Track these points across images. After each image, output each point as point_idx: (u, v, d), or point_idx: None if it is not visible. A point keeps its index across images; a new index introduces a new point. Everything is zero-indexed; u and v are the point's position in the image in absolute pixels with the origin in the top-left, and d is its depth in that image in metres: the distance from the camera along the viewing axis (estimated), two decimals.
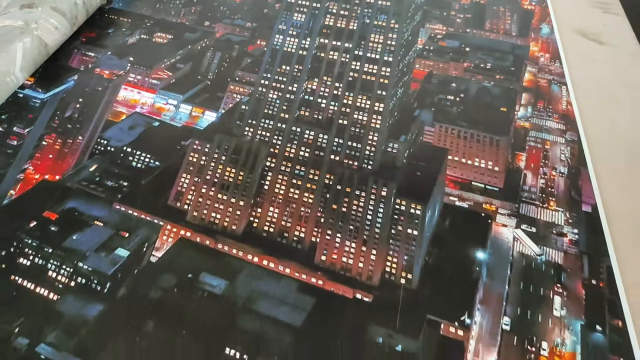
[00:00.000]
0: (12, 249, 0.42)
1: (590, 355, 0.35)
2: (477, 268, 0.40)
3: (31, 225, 0.43)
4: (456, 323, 0.37)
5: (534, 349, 0.36)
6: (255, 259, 0.41)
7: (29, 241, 0.42)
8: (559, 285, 0.39)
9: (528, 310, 0.38)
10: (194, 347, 0.36)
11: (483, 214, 0.44)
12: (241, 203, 0.46)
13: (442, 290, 0.39)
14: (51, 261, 0.41)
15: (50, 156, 0.50)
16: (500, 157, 0.49)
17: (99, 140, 0.51)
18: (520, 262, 0.41)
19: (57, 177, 0.48)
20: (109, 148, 0.50)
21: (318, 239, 0.43)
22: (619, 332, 0.36)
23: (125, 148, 0.50)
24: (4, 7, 0.57)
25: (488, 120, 0.52)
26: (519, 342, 0.36)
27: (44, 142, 0.51)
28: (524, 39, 0.63)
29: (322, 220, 0.44)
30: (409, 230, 0.43)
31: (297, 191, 0.46)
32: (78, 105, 0.55)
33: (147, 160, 0.49)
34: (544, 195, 0.46)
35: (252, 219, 0.45)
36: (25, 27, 0.55)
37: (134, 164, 0.49)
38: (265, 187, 0.47)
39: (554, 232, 0.43)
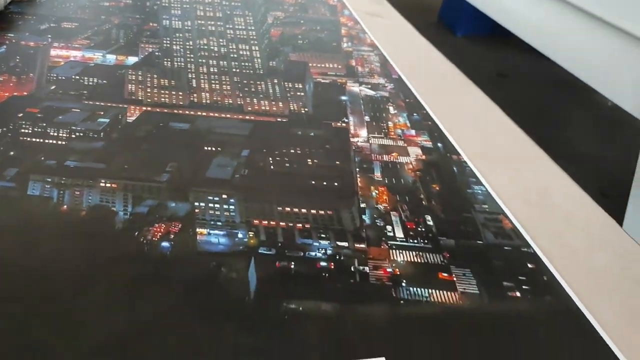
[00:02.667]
0: (9, 132, 0.53)
1: (415, 124, 0.62)
2: (344, 101, 0.66)
3: (19, 115, 0.55)
4: (341, 123, 0.61)
5: (383, 124, 0.62)
6: (204, 114, 0.60)
7: (22, 123, 0.54)
8: (390, 102, 0.67)
9: (377, 113, 0.64)
10: (178, 149, 0.53)
11: (339, 83, 0.71)
12: (180, 93, 0.64)
13: (326, 115, 0.63)
14: (47, 130, 0.54)
15: (10, 84, 0.61)
16: (341, 61, 0.77)
17: (48, 75, 0.65)
18: (367, 98, 0.67)
19: (25, 93, 0.60)
20: (60, 78, 0.64)
21: (241, 101, 0.63)
22: (428, 117, 0.64)
23: (74, 77, 0.65)
24: None
25: (327, 47, 0.81)
26: (377, 125, 0.62)
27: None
28: (335, 17, 0.95)
29: (239, 92, 0.65)
30: (299, 93, 0.66)
31: (216, 83, 0.67)
32: (18, 60, 0.67)
33: (96, 80, 0.64)
34: (370, 73, 0.74)
35: (192, 99, 0.63)
36: None
37: (86, 83, 0.64)
38: (194, 84, 0.66)
39: (380, 85, 0.71)
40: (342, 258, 0.41)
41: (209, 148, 0.54)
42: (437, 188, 0.51)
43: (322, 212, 0.46)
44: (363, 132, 0.60)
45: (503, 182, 0.55)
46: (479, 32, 3.60)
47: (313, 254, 0.42)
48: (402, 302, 0.38)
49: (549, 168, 0.60)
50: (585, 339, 0.36)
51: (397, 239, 0.44)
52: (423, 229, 0.46)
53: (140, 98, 0.63)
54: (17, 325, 0.33)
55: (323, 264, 0.41)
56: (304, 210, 0.46)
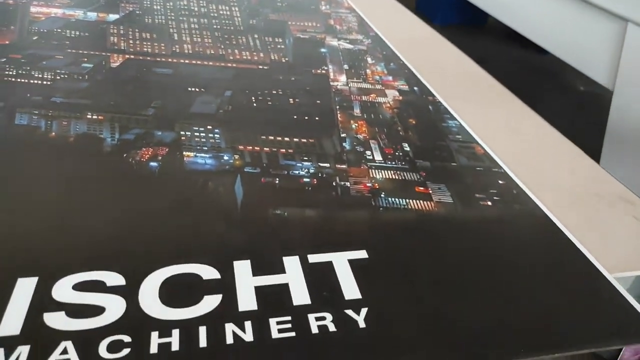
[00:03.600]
0: None
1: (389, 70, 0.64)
2: (323, 53, 0.68)
3: (2, 60, 0.56)
4: (321, 70, 0.63)
5: (362, 72, 0.64)
6: (187, 61, 0.61)
7: (6, 66, 0.55)
8: (368, 54, 0.69)
9: (356, 63, 0.66)
10: (162, 90, 0.54)
11: (318, 38, 0.72)
12: (162, 44, 0.65)
13: (306, 64, 0.65)
14: (32, 73, 0.54)
15: None
16: (319, 21, 0.79)
17: (30, 28, 0.65)
18: (345, 51, 0.70)
19: (7, 42, 0.60)
20: (42, 30, 0.65)
21: (223, 51, 0.65)
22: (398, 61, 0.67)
23: (56, 29, 0.65)
24: None
25: (306, 9, 0.82)
26: (356, 72, 0.64)
27: None
28: None
29: (220, 44, 0.66)
30: (279, 46, 0.68)
31: (198, 36, 0.68)
32: None
33: (77, 33, 0.65)
34: (349, 31, 0.76)
35: (174, 49, 0.64)
36: None
37: (68, 36, 0.64)
38: (175, 37, 0.67)
39: (358, 41, 0.73)
40: (324, 176, 0.43)
41: (193, 89, 0.55)
42: (414, 122, 0.54)
43: (305, 140, 0.48)
44: (342, 78, 0.62)
45: (476, 118, 0.57)
46: (456, 21, 3.66)
47: (296, 172, 0.43)
48: (381, 209, 0.40)
49: (520, 108, 0.63)
50: (549, 236, 0.39)
51: (376, 161, 0.46)
52: (400, 154, 0.48)
53: (122, 48, 0.63)
54: (13, 227, 0.34)
55: (306, 180, 0.43)
56: (287, 139, 0.48)
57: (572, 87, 2.66)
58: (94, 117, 0.48)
